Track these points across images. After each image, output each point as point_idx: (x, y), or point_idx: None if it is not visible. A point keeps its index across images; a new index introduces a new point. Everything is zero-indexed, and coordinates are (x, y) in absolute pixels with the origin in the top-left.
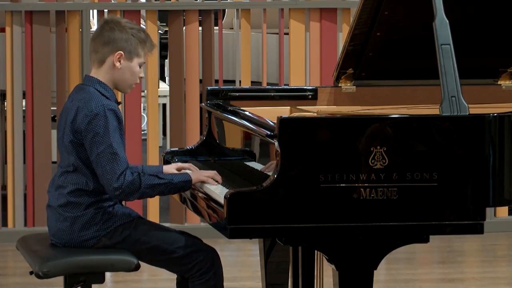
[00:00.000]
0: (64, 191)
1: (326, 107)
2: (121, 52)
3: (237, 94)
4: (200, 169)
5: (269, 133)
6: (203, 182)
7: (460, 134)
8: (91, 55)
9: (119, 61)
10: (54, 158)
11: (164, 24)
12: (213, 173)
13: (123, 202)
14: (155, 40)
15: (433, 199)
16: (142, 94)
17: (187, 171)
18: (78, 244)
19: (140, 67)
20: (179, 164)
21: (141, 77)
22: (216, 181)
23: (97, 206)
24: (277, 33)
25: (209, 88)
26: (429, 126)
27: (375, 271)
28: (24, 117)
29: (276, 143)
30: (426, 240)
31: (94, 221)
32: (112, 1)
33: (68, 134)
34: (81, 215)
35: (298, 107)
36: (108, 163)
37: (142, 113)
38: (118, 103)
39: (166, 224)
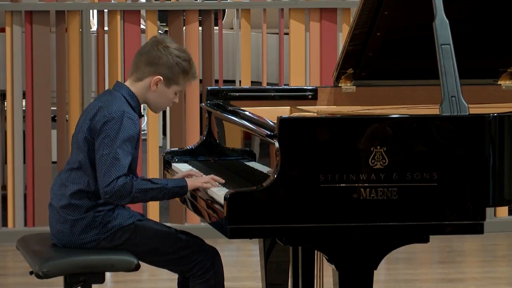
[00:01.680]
0: (67, 191)
1: (326, 107)
2: (160, 77)
3: (237, 94)
4: (200, 170)
5: (269, 133)
6: (198, 187)
7: (460, 134)
8: (132, 66)
9: (156, 85)
10: (54, 158)
11: (164, 24)
12: (208, 177)
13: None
14: None
15: (433, 199)
16: None
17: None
18: (77, 246)
19: (176, 93)
20: (184, 173)
21: (175, 102)
22: (216, 183)
23: (97, 210)
24: (277, 33)
25: (209, 88)
26: (429, 126)
27: (375, 271)
28: (24, 117)
29: (276, 143)
30: (426, 240)
31: (93, 224)
32: (112, 1)
33: (84, 131)
34: (81, 218)
35: (298, 107)
36: (107, 167)
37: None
38: (141, 116)
39: (166, 224)
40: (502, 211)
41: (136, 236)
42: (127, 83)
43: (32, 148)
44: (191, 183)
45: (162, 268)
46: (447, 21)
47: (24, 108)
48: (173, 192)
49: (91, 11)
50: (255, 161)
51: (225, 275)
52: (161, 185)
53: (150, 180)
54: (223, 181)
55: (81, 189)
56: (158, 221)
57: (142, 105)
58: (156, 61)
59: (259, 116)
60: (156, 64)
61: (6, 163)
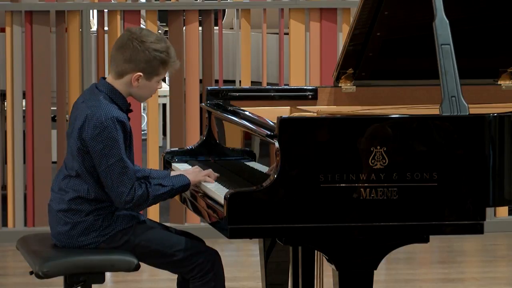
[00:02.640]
0: (65, 197)
1: (326, 107)
2: (140, 74)
3: (237, 94)
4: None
5: (269, 133)
6: (200, 181)
7: (460, 134)
8: (111, 62)
9: (137, 81)
10: (54, 158)
11: (164, 24)
12: (208, 171)
13: None
14: None
15: (433, 199)
16: None
17: (185, 169)
18: (77, 248)
19: (158, 82)
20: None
21: (159, 89)
22: (211, 178)
23: (97, 213)
24: (277, 33)
25: (209, 88)
26: (429, 126)
27: (375, 271)
28: (24, 117)
29: (276, 143)
30: (426, 240)
31: (94, 227)
32: (112, 1)
33: (75, 141)
34: (81, 221)
35: (298, 107)
36: (119, 176)
37: (142, 113)
38: (130, 110)
39: (166, 224)
40: (502, 211)
41: (135, 238)
42: (110, 80)
43: (32, 148)
44: (193, 178)
45: (162, 269)
46: (447, 21)
47: (24, 108)
48: (179, 190)
49: (91, 11)
50: (255, 161)
51: (225, 275)
52: (169, 187)
53: (160, 184)
54: (217, 174)
55: (80, 196)
56: (158, 221)
57: (141, 104)
58: (134, 58)
59: (259, 116)
60: (134, 61)
61: (6, 163)
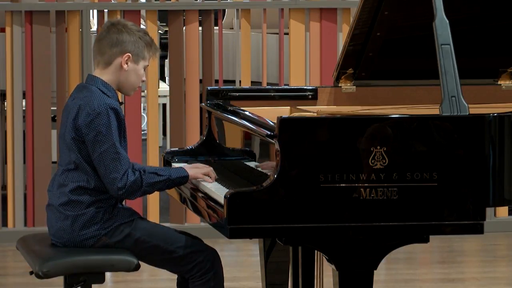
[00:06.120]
0: (66, 189)
1: (326, 107)
2: (129, 54)
3: (237, 94)
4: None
5: (269, 133)
6: (198, 178)
7: (460, 134)
8: (96, 56)
9: (127, 63)
10: (54, 158)
11: (164, 24)
12: (209, 170)
13: (124, 202)
14: (155, 40)
15: (433, 199)
16: (142, 94)
17: (186, 165)
18: (78, 243)
19: (143, 70)
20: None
21: (144, 81)
22: (211, 178)
23: (98, 205)
24: (277, 33)
25: (209, 88)
26: (429, 126)
27: (375, 271)
28: (24, 117)
29: (276, 143)
30: (426, 240)
31: (95, 220)
32: (112, 1)
33: (70, 131)
34: (82, 214)
35: (298, 107)
36: (111, 162)
37: (142, 113)
38: (120, 103)
39: (166, 224)
40: (502, 211)
41: (136, 232)
42: (97, 74)
43: (32, 148)
44: (192, 172)
45: (162, 268)
46: (447, 21)
47: (24, 108)
48: (176, 182)
49: (91, 11)
50: (255, 161)
51: (225, 275)
52: (166, 176)
53: (155, 173)
54: (216, 177)
55: (80, 186)
56: (158, 221)
57: (141, 104)
58: (120, 40)
59: (259, 116)
60: (120, 43)
61: (6, 163)
